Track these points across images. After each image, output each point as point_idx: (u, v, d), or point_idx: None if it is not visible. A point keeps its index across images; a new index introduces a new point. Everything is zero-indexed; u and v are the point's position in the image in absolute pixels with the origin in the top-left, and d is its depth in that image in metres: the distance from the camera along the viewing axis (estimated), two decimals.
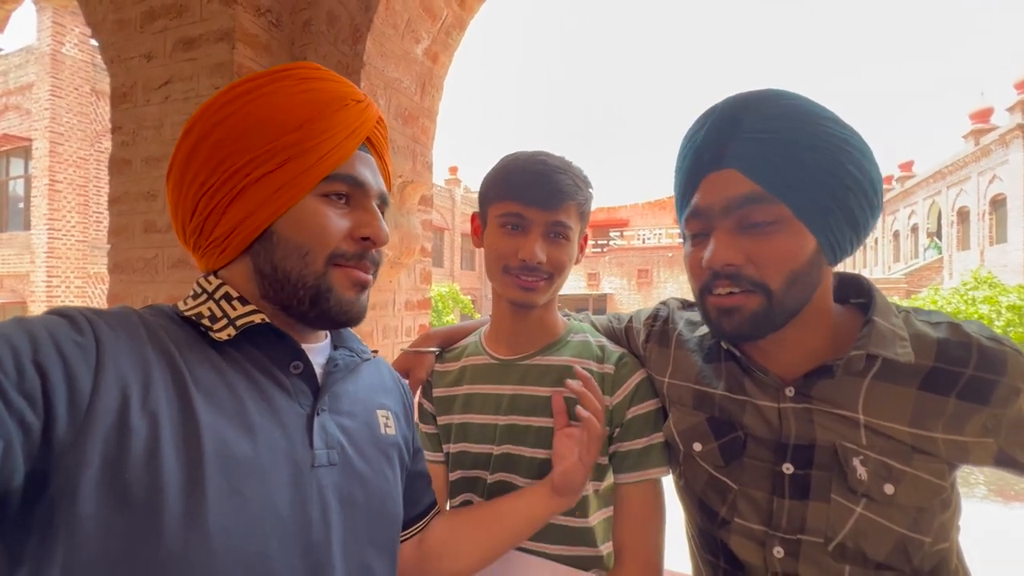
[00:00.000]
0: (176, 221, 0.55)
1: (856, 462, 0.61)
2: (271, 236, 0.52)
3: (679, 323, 0.82)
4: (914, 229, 21.06)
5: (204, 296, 0.53)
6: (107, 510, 0.38)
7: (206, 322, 0.51)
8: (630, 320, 0.91)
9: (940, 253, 17.90)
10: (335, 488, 0.52)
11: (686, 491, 0.77)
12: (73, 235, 9.49)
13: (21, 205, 10.12)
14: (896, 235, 22.77)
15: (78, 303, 9.45)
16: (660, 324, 0.85)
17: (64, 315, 0.43)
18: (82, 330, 0.42)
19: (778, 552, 0.65)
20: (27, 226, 9.67)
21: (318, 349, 0.59)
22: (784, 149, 0.59)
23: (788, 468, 0.65)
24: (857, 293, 0.70)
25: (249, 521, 0.44)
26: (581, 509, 0.78)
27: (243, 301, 0.52)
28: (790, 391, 0.66)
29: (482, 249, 0.88)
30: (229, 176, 0.50)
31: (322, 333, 0.61)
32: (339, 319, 0.55)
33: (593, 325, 0.96)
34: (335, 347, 0.62)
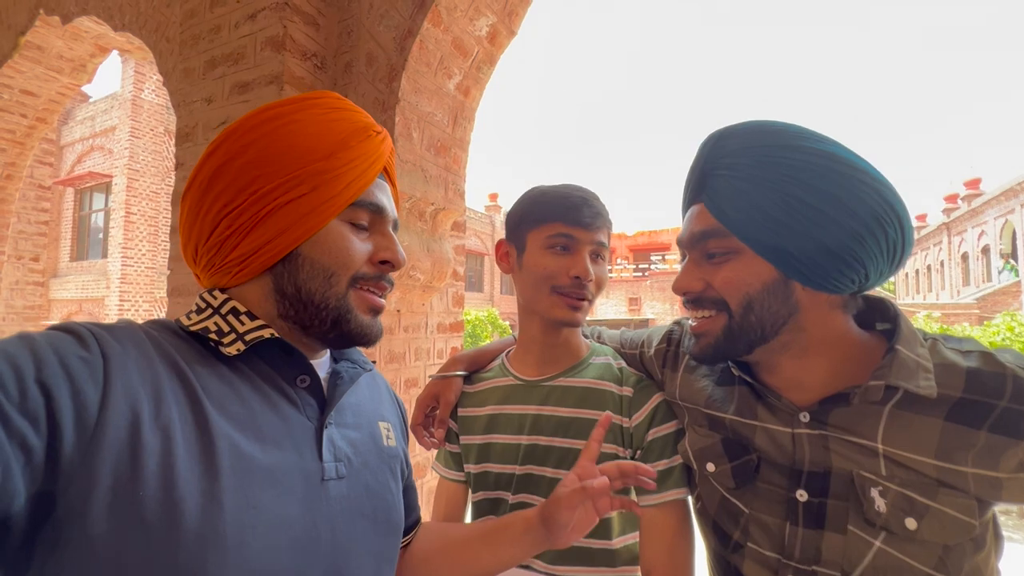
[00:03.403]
0: (188, 239, 0.55)
1: (875, 493, 0.59)
2: (296, 258, 0.53)
3: (689, 344, 0.82)
4: (985, 250, 19.56)
5: (209, 311, 0.53)
6: (120, 529, 0.38)
7: (213, 336, 0.51)
8: (642, 345, 0.90)
9: (1017, 276, 16.49)
10: (343, 501, 0.53)
11: (702, 514, 0.76)
12: (143, 262, 10.29)
13: (100, 236, 11.10)
14: (964, 257, 21.23)
15: None
16: (673, 348, 0.85)
17: (69, 330, 0.42)
18: (88, 345, 0.41)
19: None
20: (105, 254, 10.57)
21: (320, 363, 0.60)
22: (737, 185, 0.63)
23: (802, 495, 0.63)
24: (883, 318, 0.68)
25: (264, 535, 0.44)
26: (604, 531, 0.78)
27: (251, 316, 0.53)
28: (804, 416, 0.64)
29: (511, 272, 0.91)
30: (257, 198, 0.51)
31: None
32: (358, 340, 0.57)
33: (604, 340, 0.98)
34: (335, 360, 0.62)
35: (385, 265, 0.58)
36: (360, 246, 0.56)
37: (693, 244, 0.68)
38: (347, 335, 0.56)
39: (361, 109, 0.60)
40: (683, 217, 0.73)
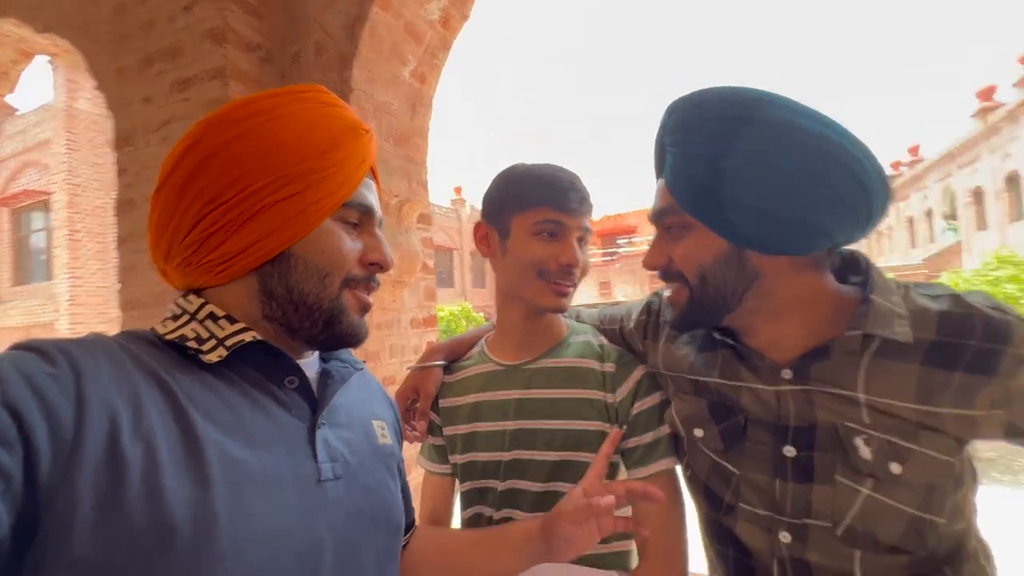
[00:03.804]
0: (161, 235, 0.51)
1: (859, 442, 0.60)
2: (288, 258, 0.52)
3: (667, 315, 0.83)
4: (928, 213, 20.66)
5: (186, 317, 0.51)
6: (108, 546, 0.37)
7: (192, 344, 0.49)
8: (622, 320, 0.91)
9: (957, 236, 17.51)
10: (342, 502, 0.52)
11: (692, 481, 0.77)
12: (93, 282, 9.76)
13: (43, 257, 10.46)
14: (910, 221, 22.36)
15: None
16: (653, 318, 0.85)
17: (31, 348, 0.41)
18: (55, 361, 0.39)
19: (784, 537, 0.64)
20: (49, 276, 9.97)
21: (307, 363, 0.58)
22: (680, 161, 0.64)
23: (790, 451, 0.64)
24: (855, 271, 0.69)
25: (262, 542, 0.43)
26: None
27: (230, 319, 0.50)
28: (787, 373, 0.65)
29: (488, 260, 0.89)
30: (246, 196, 0.49)
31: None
32: (347, 341, 0.56)
33: (583, 319, 0.98)
34: (324, 359, 0.61)
35: (374, 267, 0.57)
36: (351, 246, 0.55)
37: (656, 220, 0.70)
38: (337, 336, 0.55)
39: (346, 104, 0.58)
40: None
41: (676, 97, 0.67)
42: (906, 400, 0.59)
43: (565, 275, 0.81)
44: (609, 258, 23.32)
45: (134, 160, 1.52)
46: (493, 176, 0.91)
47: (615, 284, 21.81)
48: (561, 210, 0.80)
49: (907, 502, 0.58)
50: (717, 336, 0.72)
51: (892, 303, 0.61)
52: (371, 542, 0.54)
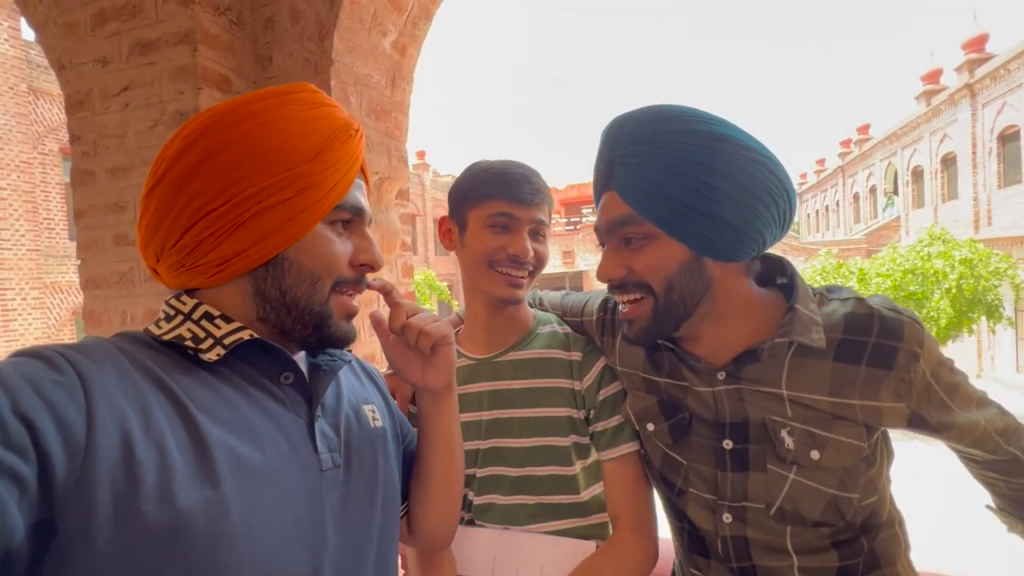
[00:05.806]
0: (152, 237, 0.51)
1: (784, 433, 0.67)
2: (283, 262, 0.52)
3: (625, 331, 0.85)
4: (872, 190, 21.77)
5: (180, 317, 0.52)
6: (127, 544, 0.38)
7: (190, 343, 0.50)
8: (582, 313, 0.94)
9: (896, 212, 18.60)
10: (342, 488, 0.55)
11: (648, 467, 0.84)
12: (24, 244, 8.99)
13: None
14: (856, 197, 23.51)
15: (37, 315, 9.04)
16: (609, 316, 0.89)
17: (36, 355, 0.41)
18: (61, 369, 0.40)
19: (727, 518, 0.72)
20: None
21: (298, 358, 0.60)
22: (644, 172, 0.65)
23: (728, 444, 0.71)
24: (781, 273, 0.75)
25: (272, 531, 0.46)
26: (572, 487, 0.83)
27: (226, 319, 0.52)
28: (721, 375, 0.71)
29: (454, 249, 0.91)
30: (240, 201, 0.49)
31: None
32: (336, 344, 0.58)
33: (546, 306, 1.01)
34: (312, 354, 0.63)
35: (363, 267, 0.58)
36: (342, 248, 0.56)
37: (611, 232, 0.70)
38: (326, 339, 0.56)
39: (336, 103, 0.57)
40: (596, 205, 0.74)
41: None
42: (822, 393, 0.66)
43: (516, 266, 0.83)
44: (572, 228, 23.44)
45: (90, 127, 1.40)
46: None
47: (578, 253, 22.03)
48: (513, 202, 0.82)
49: (826, 483, 0.67)
50: (661, 340, 0.76)
51: (811, 311, 0.68)
52: (371, 522, 0.58)
